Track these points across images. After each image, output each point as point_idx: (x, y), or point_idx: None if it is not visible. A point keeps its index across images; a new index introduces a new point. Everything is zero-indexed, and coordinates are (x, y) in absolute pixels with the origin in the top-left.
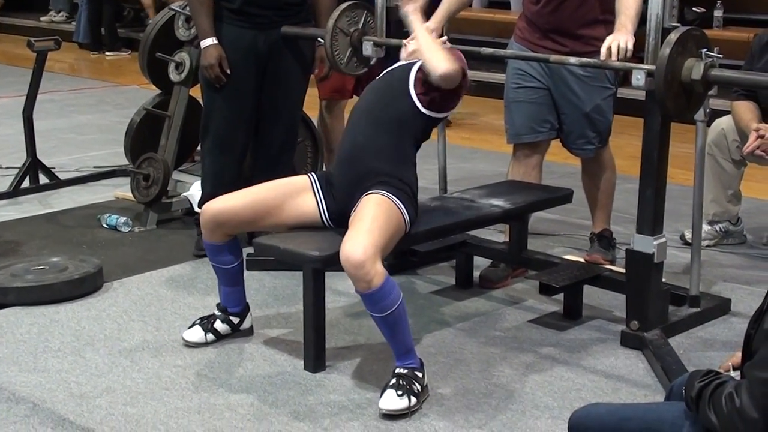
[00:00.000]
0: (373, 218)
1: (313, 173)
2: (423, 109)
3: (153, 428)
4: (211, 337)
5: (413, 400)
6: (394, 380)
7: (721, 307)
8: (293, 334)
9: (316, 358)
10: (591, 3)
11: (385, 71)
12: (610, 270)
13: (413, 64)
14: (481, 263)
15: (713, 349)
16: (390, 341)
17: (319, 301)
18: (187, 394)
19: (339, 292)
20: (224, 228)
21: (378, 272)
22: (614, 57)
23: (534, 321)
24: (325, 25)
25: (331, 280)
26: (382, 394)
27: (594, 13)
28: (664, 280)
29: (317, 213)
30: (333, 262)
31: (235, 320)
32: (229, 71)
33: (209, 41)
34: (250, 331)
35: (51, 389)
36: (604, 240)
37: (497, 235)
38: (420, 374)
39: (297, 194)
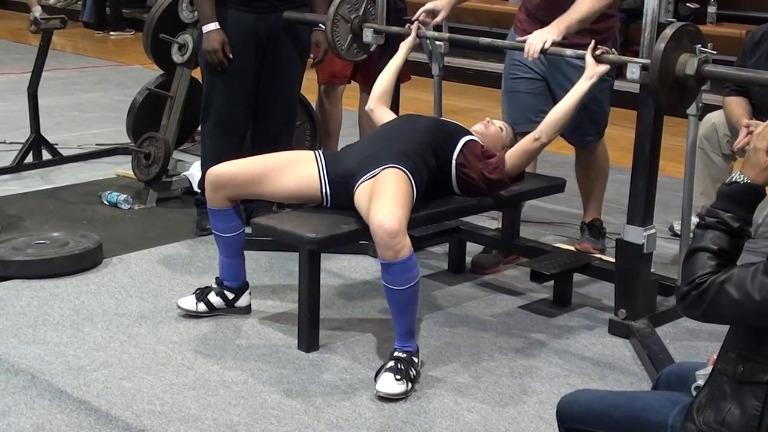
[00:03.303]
0: (400, 191)
1: (319, 149)
2: (453, 180)
3: (148, 402)
4: (202, 307)
5: (409, 385)
6: (392, 363)
7: None
8: (288, 313)
9: (309, 338)
10: None
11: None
12: (600, 259)
13: (467, 134)
14: (473, 249)
15: (699, 339)
16: (397, 319)
17: (315, 282)
18: (182, 370)
19: (334, 273)
20: (224, 191)
21: (407, 244)
22: (525, 54)
23: (524, 307)
24: (321, 11)
25: (327, 261)
26: (378, 375)
27: None
28: (652, 270)
29: (317, 183)
30: (329, 244)
31: (230, 295)
32: (231, 56)
33: (212, 26)
34: (246, 310)
35: (49, 362)
36: (595, 229)
37: (490, 221)
38: (416, 359)
39: (299, 162)
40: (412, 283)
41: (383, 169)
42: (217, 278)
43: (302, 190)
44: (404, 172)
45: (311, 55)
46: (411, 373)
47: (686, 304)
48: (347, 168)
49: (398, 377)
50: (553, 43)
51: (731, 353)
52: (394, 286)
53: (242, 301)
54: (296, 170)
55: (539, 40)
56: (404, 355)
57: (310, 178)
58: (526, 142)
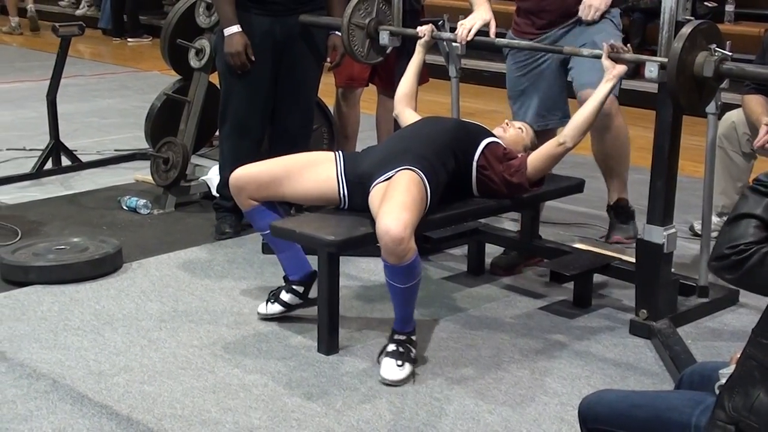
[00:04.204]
0: (410, 195)
1: (339, 150)
2: (473, 182)
3: (169, 406)
4: (276, 307)
5: (409, 367)
6: (393, 346)
7: (730, 298)
8: (308, 316)
9: (329, 340)
10: None
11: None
12: (620, 259)
13: (489, 135)
14: (492, 251)
15: (721, 339)
16: (398, 308)
17: (334, 285)
18: (202, 374)
19: (353, 276)
20: (246, 192)
21: (412, 248)
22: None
23: (544, 308)
24: (338, 14)
25: (345, 264)
26: (380, 359)
27: None
28: (673, 270)
29: (335, 184)
30: (348, 247)
31: (299, 289)
32: (253, 58)
33: (234, 29)
34: None
35: (70, 366)
36: (621, 211)
37: (508, 223)
38: (414, 337)
39: (318, 163)
40: (415, 281)
41: (398, 171)
42: (284, 277)
43: (321, 191)
44: (419, 174)
45: (328, 59)
46: (411, 354)
47: (723, 266)
48: (365, 169)
49: (399, 363)
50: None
51: (762, 338)
52: (396, 284)
53: (315, 292)
54: (315, 171)
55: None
56: (403, 337)
57: (329, 179)
58: (550, 146)
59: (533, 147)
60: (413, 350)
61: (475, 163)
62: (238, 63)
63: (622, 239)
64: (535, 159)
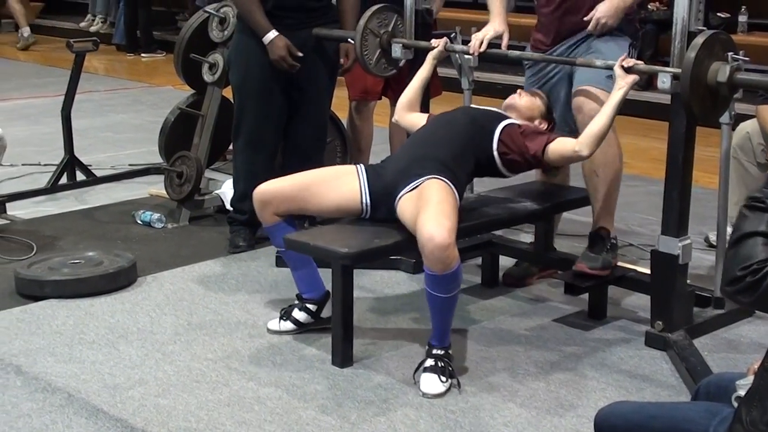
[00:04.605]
0: (447, 203)
1: (360, 164)
2: (501, 167)
3: (184, 420)
4: (288, 325)
5: (450, 381)
6: (432, 362)
7: (746, 310)
8: (321, 329)
9: (344, 353)
10: None
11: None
12: (635, 271)
13: (501, 119)
14: (506, 263)
15: (738, 351)
16: (436, 321)
17: (348, 298)
18: (217, 387)
19: (367, 288)
20: (270, 207)
21: (456, 255)
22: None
23: (559, 320)
24: (348, 26)
25: (360, 277)
26: (418, 374)
27: None
28: (688, 281)
29: (358, 196)
30: (362, 259)
31: (312, 307)
32: (300, 54)
33: (271, 35)
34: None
35: (85, 380)
36: (597, 241)
37: (523, 234)
38: (451, 351)
39: (342, 177)
40: (457, 291)
41: (425, 180)
42: (297, 294)
43: (344, 204)
44: (447, 183)
45: (341, 61)
46: (450, 369)
47: (738, 289)
48: (388, 180)
49: (443, 378)
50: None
51: None
52: (438, 294)
53: (327, 312)
54: (338, 185)
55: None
56: (442, 352)
57: (352, 191)
58: (566, 150)
59: (549, 111)
60: (451, 365)
61: (495, 152)
62: (286, 66)
63: (585, 268)
64: (551, 151)
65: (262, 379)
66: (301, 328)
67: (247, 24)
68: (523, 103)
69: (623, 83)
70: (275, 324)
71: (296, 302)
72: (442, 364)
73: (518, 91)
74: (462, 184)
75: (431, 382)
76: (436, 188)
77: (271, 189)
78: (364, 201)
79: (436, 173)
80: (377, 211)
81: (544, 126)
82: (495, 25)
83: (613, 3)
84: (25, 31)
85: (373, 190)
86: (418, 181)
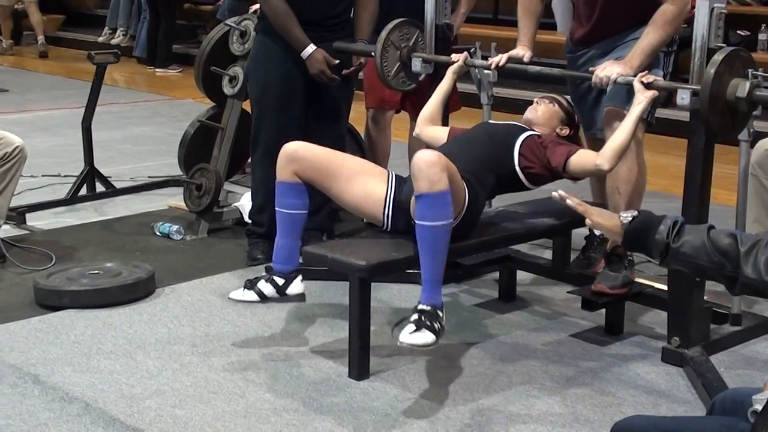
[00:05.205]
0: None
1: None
2: (524, 181)
3: (200, 430)
4: (251, 295)
5: (430, 336)
6: (416, 316)
7: (763, 326)
8: (338, 341)
9: (360, 365)
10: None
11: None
12: (653, 287)
13: (520, 133)
14: (523, 278)
15: (754, 367)
16: (424, 263)
17: (365, 310)
18: (234, 398)
19: (384, 301)
20: (296, 164)
21: (444, 179)
22: (594, 85)
23: (576, 335)
24: (364, 34)
25: (377, 290)
26: (399, 326)
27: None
28: (705, 298)
29: (381, 204)
30: (379, 272)
31: (280, 281)
32: (336, 61)
33: (309, 50)
34: (300, 298)
35: (103, 390)
36: (615, 259)
37: (539, 249)
38: (441, 313)
39: (372, 176)
40: (444, 222)
41: None
42: (266, 266)
43: (366, 206)
44: (463, 183)
45: (353, 60)
46: (435, 326)
47: None
48: (407, 194)
49: (416, 327)
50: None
51: None
52: (425, 221)
53: (294, 288)
54: (366, 182)
55: (607, 73)
56: (428, 308)
57: (377, 195)
58: (588, 163)
59: (569, 116)
60: (438, 324)
61: (518, 167)
62: (326, 80)
63: (605, 288)
64: (573, 164)
65: (278, 391)
66: (264, 300)
67: (286, 40)
68: (540, 114)
69: (642, 98)
70: (238, 294)
71: (264, 274)
72: (425, 319)
73: (535, 100)
74: (479, 198)
75: (407, 332)
76: None
77: (304, 150)
78: (386, 212)
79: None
80: (396, 224)
81: (566, 132)
82: (519, 49)
83: (632, 61)
84: (6, 42)
85: (396, 204)
86: None
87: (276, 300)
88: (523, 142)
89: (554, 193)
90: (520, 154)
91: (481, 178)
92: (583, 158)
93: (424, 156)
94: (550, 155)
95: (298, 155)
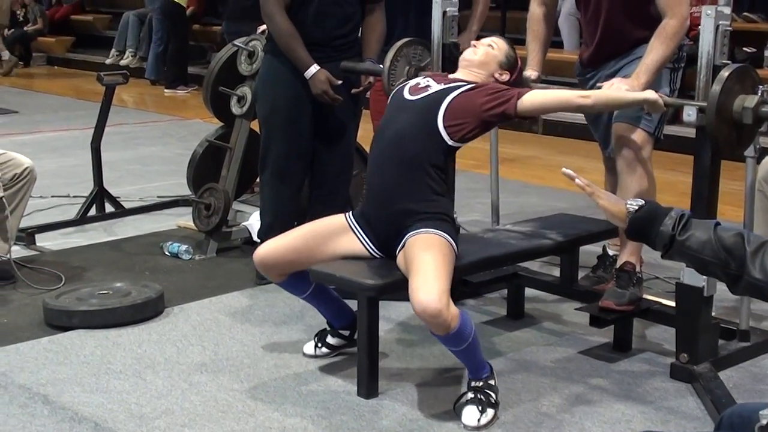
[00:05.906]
0: (435, 261)
1: (348, 213)
2: (450, 142)
3: None
4: (323, 350)
5: (491, 412)
6: (471, 395)
7: None
8: (347, 360)
9: (369, 384)
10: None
11: (402, 87)
12: (660, 303)
13: (446, 95)
14: (531, 295)
15: (764, 383)
16: (464, 362)
17: (373, 329)
18: (243, 417)
19: (392, 319)
20: (274, 270)
21: (454, 315)
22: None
23: (584, 352)
24: (372, 53)
25: (385, 308)
26: (458, 408)
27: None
28: (713, 314)
29: (364, 250)
30: (387, 291)
31: (345, 333)
32: (339, 81)
33: (312, 70)
34: None
35: (112, 410)
36: (623, 276)
37: (547, 267)
38: (492, 381)
39: (338, 235)
40: (470, 339)
41: (410, 236)
42: (328, 322)
43: (355, 256)
44: (432, 234)
45: (361, 79)
46: (491, 399)
47: None
48: (379, 230)
49: (480, 408)
50: None
51: None
52: (453, 348)
53: None
54: (340, 243)
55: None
56: (480, 383)
57: (356, 247)
58: (572, 95)
59: (510, 61)
60: (492, 395)
61: (446, 135)
62: (329, 100)
63: (612, 305)
64: (543, 95)
65: (287, 410)
66: (335, 351)
67: (290, 60)
68: (479, 58)
69: (642, 96)
70: (311, 348)
71: (328, 329)
72: (482, 397)
73: (473, 43)
74: (445, 203)
75: (470, 415)
76: (424, 246)
77: (270, 256)
78: (372, 252)
79: (416, 227)
80: (386, 252)
81: (506, 77)
82: (527, 71)
83: (639, 78)
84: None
85: (375, 244)
86: (403, 240)
87: (346, 347)
88: (445, 113)
89: (564, 170)
90: (448, 134)
91: (430, 182)
92: (555, 92)
93: (427, 310)
94: (490, 108)
95: (270, 263)
